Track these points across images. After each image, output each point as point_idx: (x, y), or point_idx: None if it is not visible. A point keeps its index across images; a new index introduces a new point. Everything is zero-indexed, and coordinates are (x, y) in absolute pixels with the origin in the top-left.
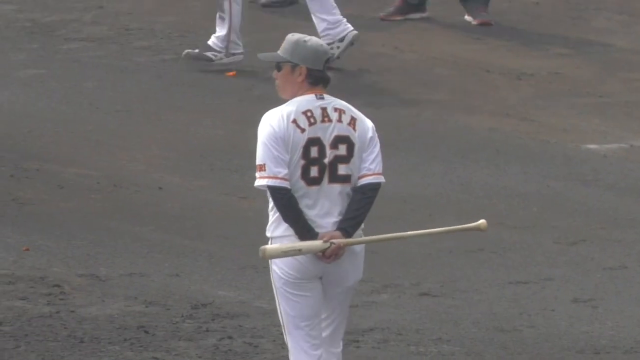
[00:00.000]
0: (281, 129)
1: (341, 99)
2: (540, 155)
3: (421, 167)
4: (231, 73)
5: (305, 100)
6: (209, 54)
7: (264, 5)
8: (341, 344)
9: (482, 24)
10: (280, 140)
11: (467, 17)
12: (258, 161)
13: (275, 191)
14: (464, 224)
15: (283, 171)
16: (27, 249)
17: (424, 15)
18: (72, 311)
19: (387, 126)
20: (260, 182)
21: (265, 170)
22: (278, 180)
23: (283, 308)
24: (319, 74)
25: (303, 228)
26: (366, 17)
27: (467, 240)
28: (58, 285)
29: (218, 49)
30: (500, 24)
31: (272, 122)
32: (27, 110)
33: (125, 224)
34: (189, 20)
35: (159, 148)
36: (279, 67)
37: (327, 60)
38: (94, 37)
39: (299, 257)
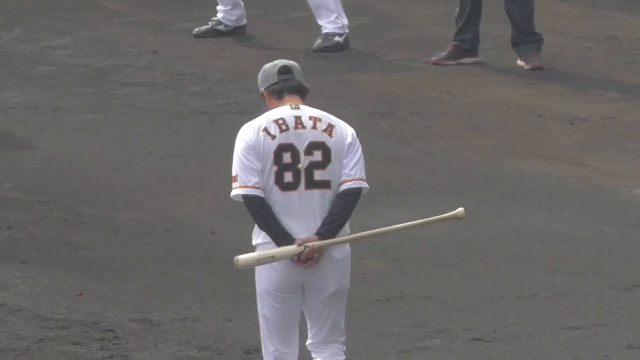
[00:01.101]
0: (251, 138)
1: (394, 144)
2: (593, 200)
3: (473, 212)
4: None
5: (279, 110)
6: None
7: (315, 50)
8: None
9: (534, 69)
10: (250, 149)
11: (519, 62)
12: (233, 173)
13: (247, 199)
14: (517, 268)
15: (254, 179)
16: (81, 294)
17: (476, 59)
18: (125, 356)
19: (439, 170)
20: (234, 192)
21: (237, 180)
22: (248, 189)
23: (261, 311)
24: (276, 87)
25: (277, 234)
26: (418, 61)
27: (520, 285)
28: (111, 330)
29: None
30: (553, 69)
31: (244, 134)
32: (82, 155)
33: (178, 269)
34: (241, 65)
35: (212, 192)
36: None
37: (283, 71)
38: (147, 82)
39: (279, 268)
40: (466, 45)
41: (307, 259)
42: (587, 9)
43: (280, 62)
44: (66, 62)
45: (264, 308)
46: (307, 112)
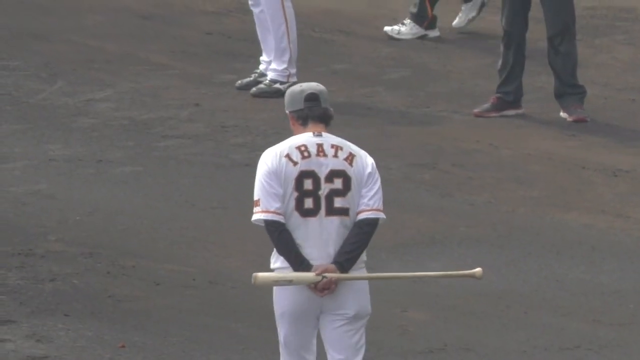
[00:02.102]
0: (274, 164)
1: (436, 195)
2: (637, 252)
3: (516, 263)
4: None
5: (301, 137)
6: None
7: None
8: None
9: (577, 121)
10: (272, 174)
11: (562, 114)
12: (255, 197)
13: (268, 224)
14: (559, 320)
15: (275, 205)
16: (123, 346)
17: (519, 111)
18: None
19: (482, 222)
20: (255, 216)
21: (259, 205)
22: (270, 214)
23: (280, 331)
24: (302, 113)
25: (296, 260)
26: (461, 113)
27: (563, 337)
28: None
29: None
30: (596, 121)
31: (267, 159)
32: (124, 207)
33: (221, 321)
34: (284, 117)
35: (254, 244)
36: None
37: (310, 98)
38: (190, 135)
39: (296, 291)
40: (509, 97)
41: (323, 289)
42: (630, 61)
43: (307, 88)
44: (109, 115)
45: (281, 329)
46: (329, 140)
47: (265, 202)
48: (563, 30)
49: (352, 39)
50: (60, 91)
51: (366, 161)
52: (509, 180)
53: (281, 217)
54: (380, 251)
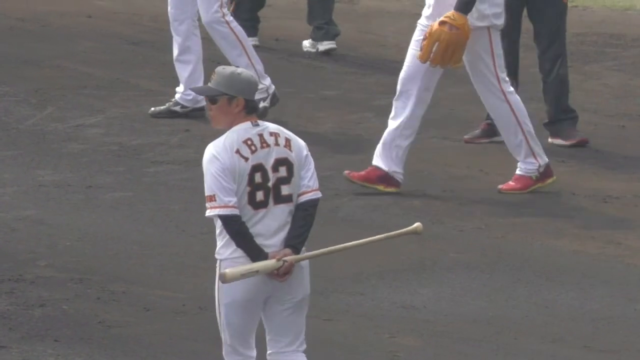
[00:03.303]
0: (226, 160)
1: (426, 221)
2: (627, 278)
3: (506, 289)
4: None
5: (243, 129)
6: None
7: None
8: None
9: (579, 144)
10: (227, 171)
11: (554, 141)
12: (208, 192)
13: (227, 219)
14: (550, 347)
15: (232, 200)
16: None
17: None
18: None
19: (472, 248)
20: (212, 212)
21: (215, 200)
22: (229, 209)
23: (226, 319)
24: (253, 104)
25: (254, 250)
26: (451, 139)
27: None
28: None
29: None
30: (586, 147)
31: (218, 154)
32: (114, 233)
33: (210, 346)
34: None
35: None
36: (214, 100)
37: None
38: (180, 160)
39: (249, 282)
40: None
41: (284, 273)
42: (620, 87)
43: (257, 80)
44: (99, 140)
45: (230, 317)
46: (266, 127)
47: (223, 197)
48: (557, 56)
49: (342, 65)
50: (50, 117)
51: (300, 144)
52: (499, 206)
53: (237, 210)
54: (370, 277)
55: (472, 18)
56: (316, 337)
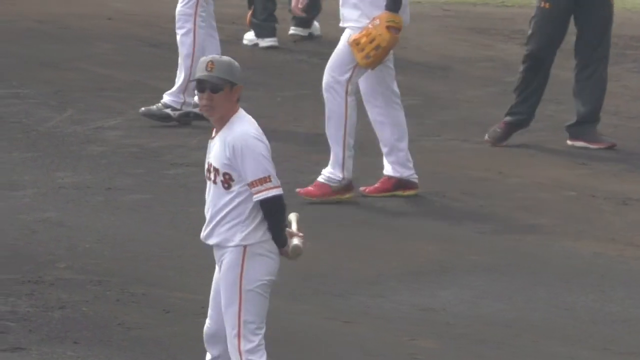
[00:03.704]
0: (265, 141)
1: (445, 224)
2: None
3: (525, 292)
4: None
5: (248, 115)
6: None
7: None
8: None
9: (609, 147)
10: (269, 152)
11: (576, 143)
12: (261, 174)
13: (281, 199)
14: (569, 349)
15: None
16: None
17: (524, 129)
18: None
19: (491, 250)
20: (271, 192)
21: (272, 181)
22: (281, 189)
23: (248, 308)
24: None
25: (284, 230)
26: (470, 141)
27: None
28: None
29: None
30: (606, 149)
31: (260, 136)
32: (133, 235)
33: None
34: (293, 144)
35: None
36: (216, 89)
37: None
38: (199, 162)
39: (276, 257)
40: (522, 116)
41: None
42: None
43: None
44: (118, 143)
45: (258, 298)
46: None
47: (275, 178)
48: (603, 57)
49: None
50: (69, 119)
51: None
52: (519, 208)
53: None
54: (390, 279)
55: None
56: (335, 340)
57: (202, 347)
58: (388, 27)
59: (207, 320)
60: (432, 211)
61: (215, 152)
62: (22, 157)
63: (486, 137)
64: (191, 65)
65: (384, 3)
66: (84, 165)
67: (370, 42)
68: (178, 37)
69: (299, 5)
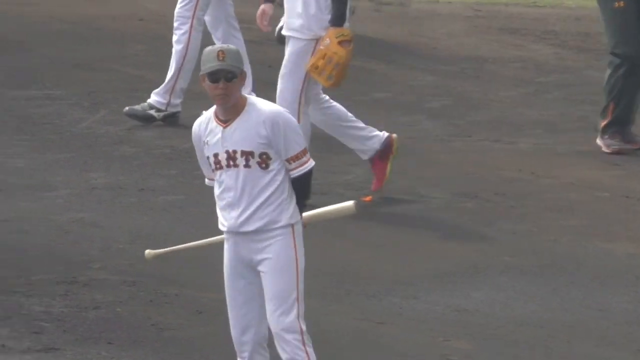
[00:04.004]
0: None
1: (479, 224)
2: None
3: (559, 293)
4: (367, 198)
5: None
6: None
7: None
8: None
9: None
10: None
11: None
12: (300, 147)
13: (312, 169)
14: (603, 350)
15: None
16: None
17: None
18: None
19: (524, 251)
20: (311, 164)
21: (308, 152)
22: None
23: (302, 289)
24: None
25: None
26: (502, 141)
27: None
28: None
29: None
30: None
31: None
32: (166, 236)
33: None
34: (327, 142)
35: None
36: (231, 76)
37: None
38: None
39: None
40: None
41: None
42: None
43: None
44: (151, 143)
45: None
46: None
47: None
48: None
49: (393, 67)
50: (102, 120)
51: None
52: (552, 209)
53: None
54: (423, 280)
55: (322, 29)
56: (369, 341)
57: (234, 348)
58: (340, 43)
59: (238, 331)
60: (465, 212)
61: (240, 137)
62: (56, 158)
63: (608, 149)
64: (181, 68)
65: (328, 18)
66: (116, 166)
67: (328, 62)
68: (174, 38)
69: (264, 22)
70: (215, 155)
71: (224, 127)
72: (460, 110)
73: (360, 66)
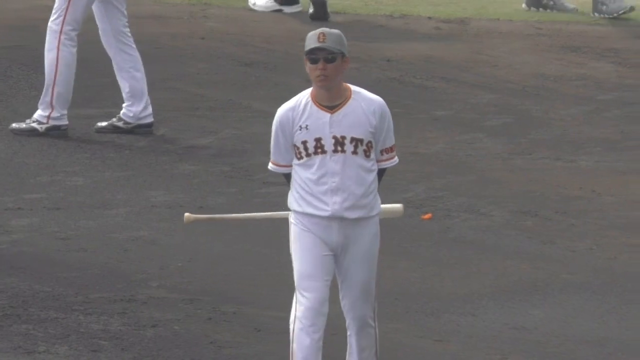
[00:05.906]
0: None
1: (538, 242)
2: None
3: (618, 311)
4: (427, 216)
5: None
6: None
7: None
8: None
9: None
10: None
11: None
12: (393, 141)
13: None
14: None
15: None
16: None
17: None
18: None
19: (584, 269)
20: (398, 159)
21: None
22: None
23: None
24: None
25: None
26: (564, 159)
27: None
28: None
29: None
30: None
31: None
32: (225, 254)
33: None
34: None
35: None
36: (331, 58)
37: None
38: None
39: None
40: None
41: None
42: None
43: None
44: (211, 161)
45: None
46: None
47: None
48: None
49: (453, 85)
50: (162, 138)
51: None
52: (612, 227)
53: None
54: (482, 297)
55: None
56: (427, 358)
57: None
58: None
59: (312, 295)
60: (525, 229)
61: (350, 123)
62: (115, 176)
63: None
64: (54, 84)
65: None
66: (176, 184)
67: None
68: (45, 51)
69: None
70: (318, 140)
71: (332, 113)
72: (521, 128)
73: (420, 84)
